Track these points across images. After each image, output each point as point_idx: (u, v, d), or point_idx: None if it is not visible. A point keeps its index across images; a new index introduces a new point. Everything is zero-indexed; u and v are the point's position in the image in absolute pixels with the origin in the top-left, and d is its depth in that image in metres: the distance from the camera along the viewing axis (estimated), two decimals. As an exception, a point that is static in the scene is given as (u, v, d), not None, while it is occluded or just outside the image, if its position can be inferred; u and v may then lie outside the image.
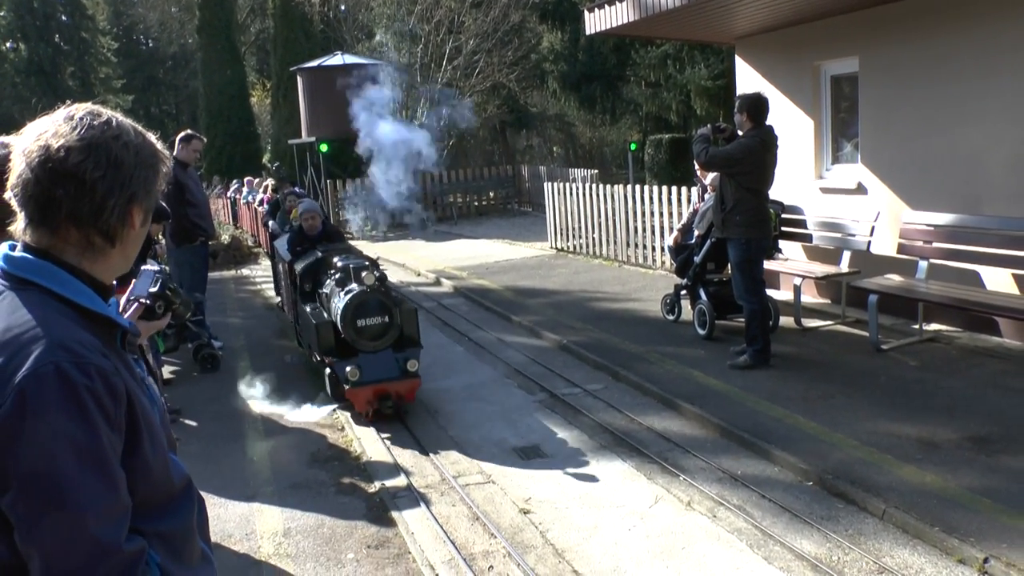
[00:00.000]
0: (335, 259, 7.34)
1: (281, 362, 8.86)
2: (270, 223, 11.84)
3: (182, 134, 8.87)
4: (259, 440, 6.57)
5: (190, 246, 8.77)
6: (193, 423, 7.03)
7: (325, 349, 6.82)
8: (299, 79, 23.62)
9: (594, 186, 14.12)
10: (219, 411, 7.32)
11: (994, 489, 4.59)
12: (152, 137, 1.75)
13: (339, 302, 6.70)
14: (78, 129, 1.61)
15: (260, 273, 15.56)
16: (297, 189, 13.26)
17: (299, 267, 7.89)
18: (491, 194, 24.23)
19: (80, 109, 1.66)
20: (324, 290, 7.30)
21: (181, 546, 1.75)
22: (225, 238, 18.01)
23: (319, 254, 7.75)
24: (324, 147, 21.47)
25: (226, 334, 10.07)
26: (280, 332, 10.26)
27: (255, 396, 7.56)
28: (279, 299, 10.31)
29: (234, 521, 5.14)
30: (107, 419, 1.53)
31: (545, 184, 16.11)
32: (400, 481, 5.54)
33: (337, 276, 6.99)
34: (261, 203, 15.96)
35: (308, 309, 7.31)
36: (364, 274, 6.65)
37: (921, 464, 4.99)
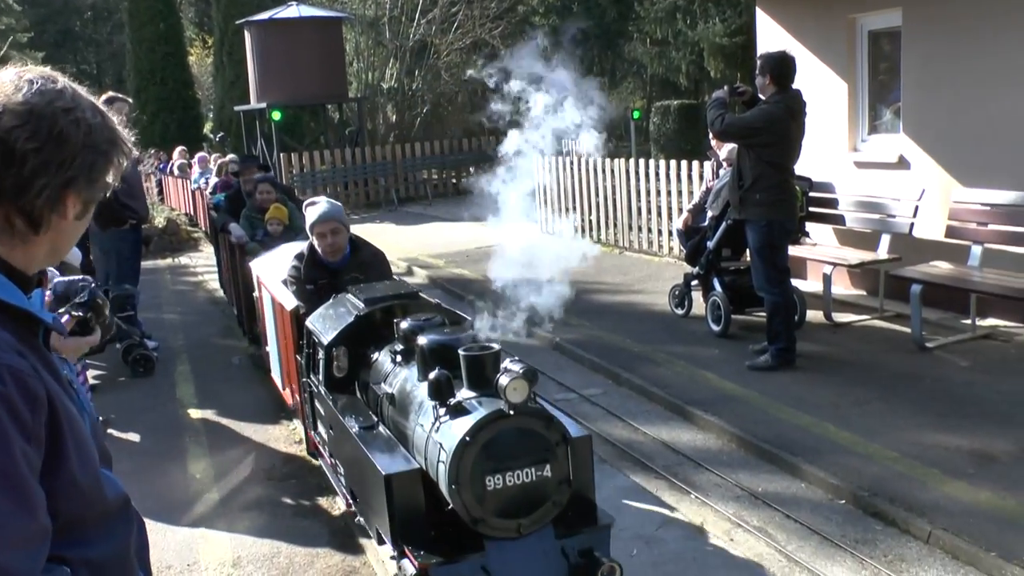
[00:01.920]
0: (408, 325, 4.37)
1: (227, 364, 8.85)
2: (232, 228, 9.22)
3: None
4: (203, 455, 6.55)
5: (118, 230, 8.72)
6: (123, 435, 7.00)
7: (406, 527, 3.74)
8: (247, 34, 23.53)
9: (591, 160, 14.13)
10: (155, 421, 7.30)
11: (1058, 508, 4.63)
12: (117, 123, 1.73)
13: (441, 435, 3.58)
14: (24, 91, 1.60)
15: (201, 262, 15.53)
16: (271, 175, 10.72)
17: (323, 331, 4.99)
18: (471, 170, 24.20)
19: (34, 71, 1.65)
20: (384, 385, 4.36)
21: None
22: (160, 221, 17.94)
23: (360, 306, 4.93)
24: (277, 115, 21.40)
25: (161, 332, 10.04)
26: (226, 330, 10.24)
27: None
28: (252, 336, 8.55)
29: (174, 549, 5.12)
30: (22, 429, 1.50)
31: (534, 158, 16.07)
32: (368, 502, 5.52)
33: (433, 376, 3.65)
34: (214, 191, 13.41)
35: (354, 426, 4.27)
36: (508, 383, 3.40)
37: (973, 480, 5.02)
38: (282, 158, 21.32)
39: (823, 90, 9.38)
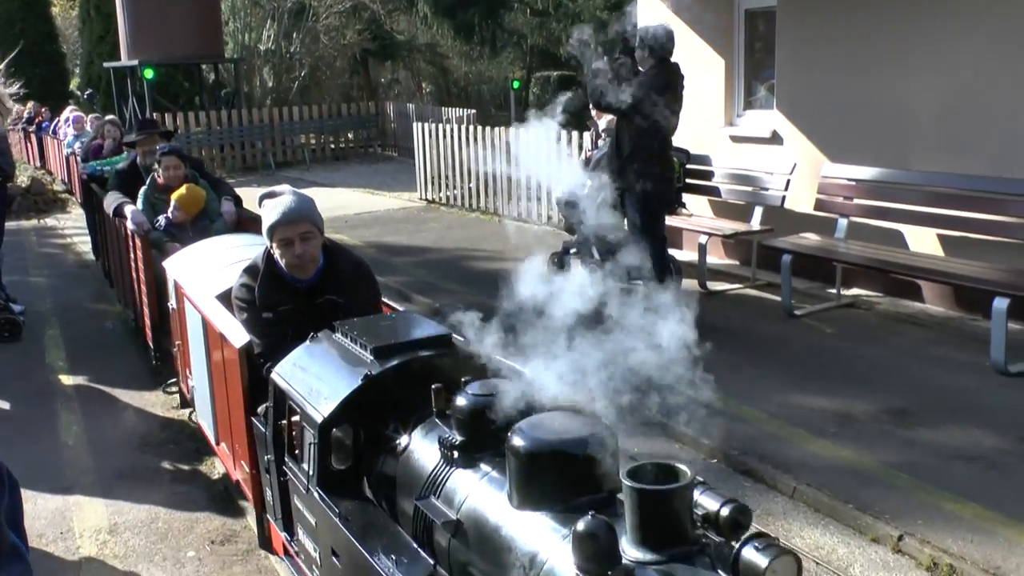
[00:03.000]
0: (469, 403, 2.87)
1: (100, 329, 8.63)
2: (130, 213, 7.27)
3: None
4: (76, 421, 6.41)
5: (-19, 188, 8.36)
6: (-9, 402, 6.80)
7: None
8: (116, -12, 22.69)
9: (471, 128, 14.16)
10: (23, 388, 7.10)
11: (911, 463, 4.94)
12: None
13: None
14: None
15: (70, 224, 15.01)
16: (177, 146, 8.03)
17: (308, 397, 3.39)
18: (350, 135, 23.98)
19: None
20: (435, 501, 2.84)
21: None
22: (24, 180, 17.24)
23: (366, 358, 3.36)
24: (149, 73, 20.76)
25: (28, 295, 9.71)
26: (97, 293, 9.96)
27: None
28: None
29: (46, 518, 5.01)
30: None
31: (414, 125, 16.07)
32: (249, 466, 5.49)
33: (585, 528, 2.09)
34: (85, 156, 11.33)
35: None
36: (770, 562, 1.94)
37: (835, 438, 5.31)
38: (155, 118, 20.70)
39: (701, 66, 9.60)
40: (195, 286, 5.22)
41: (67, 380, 7.25)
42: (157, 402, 6.67)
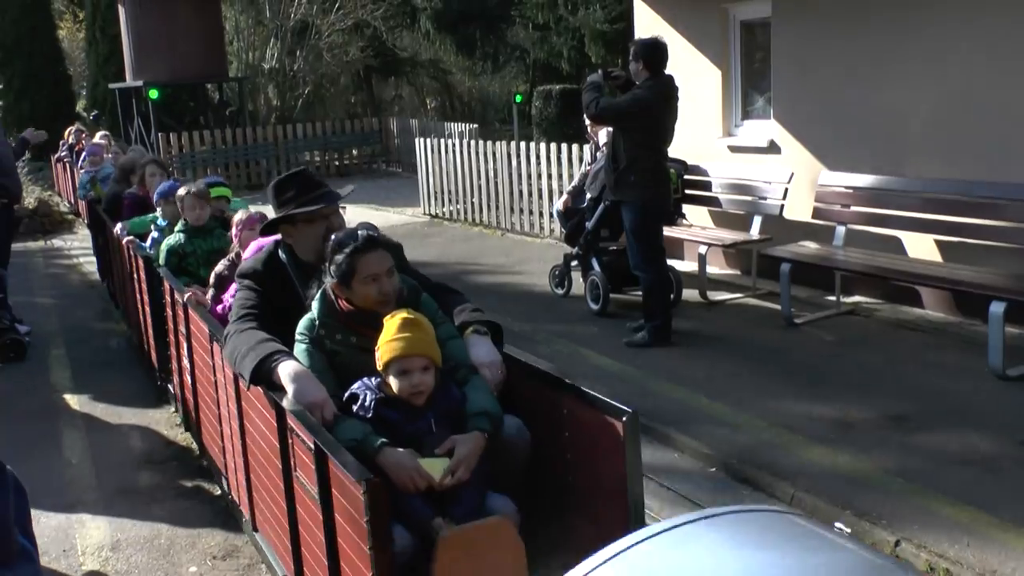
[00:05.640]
0: None
1: (105, 348, 8.67)
2: (290, 378, 3.30)
3: None
4: (79, 439, 6.42)
5: (-12, 210, 8.13)
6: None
7: None
8: (120, 8, 22.80)
9: (474, 143, 14.19)
10: (28, 407, 7.12)
11: (908, 469, 4.93)
12: None
13: None
14: None
15: (76, 244, 15.06)
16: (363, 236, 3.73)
17: None
18: (354, 152, 24.04)
19: None
20: None
21: None
22: (31, 202, 17.29)
23: None
24: (154, 93, 20.85)
25: (34, 316, 9.75)
26: (103, 313, 9.99)
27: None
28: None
29: (49, 536, 5.01)
30: None
31: (417, 140, 16.10)
32: (251, 481, 5.48)
33: None
34: (112, 208, 8.65)
35: None
36: None
37: (834, 445, 5.29)
38: (160, 138, 20.78)
39: (699, 77, 9.63)
40: None
41: (71, 399, 7.27)
42: (161, 420, 6.69)
